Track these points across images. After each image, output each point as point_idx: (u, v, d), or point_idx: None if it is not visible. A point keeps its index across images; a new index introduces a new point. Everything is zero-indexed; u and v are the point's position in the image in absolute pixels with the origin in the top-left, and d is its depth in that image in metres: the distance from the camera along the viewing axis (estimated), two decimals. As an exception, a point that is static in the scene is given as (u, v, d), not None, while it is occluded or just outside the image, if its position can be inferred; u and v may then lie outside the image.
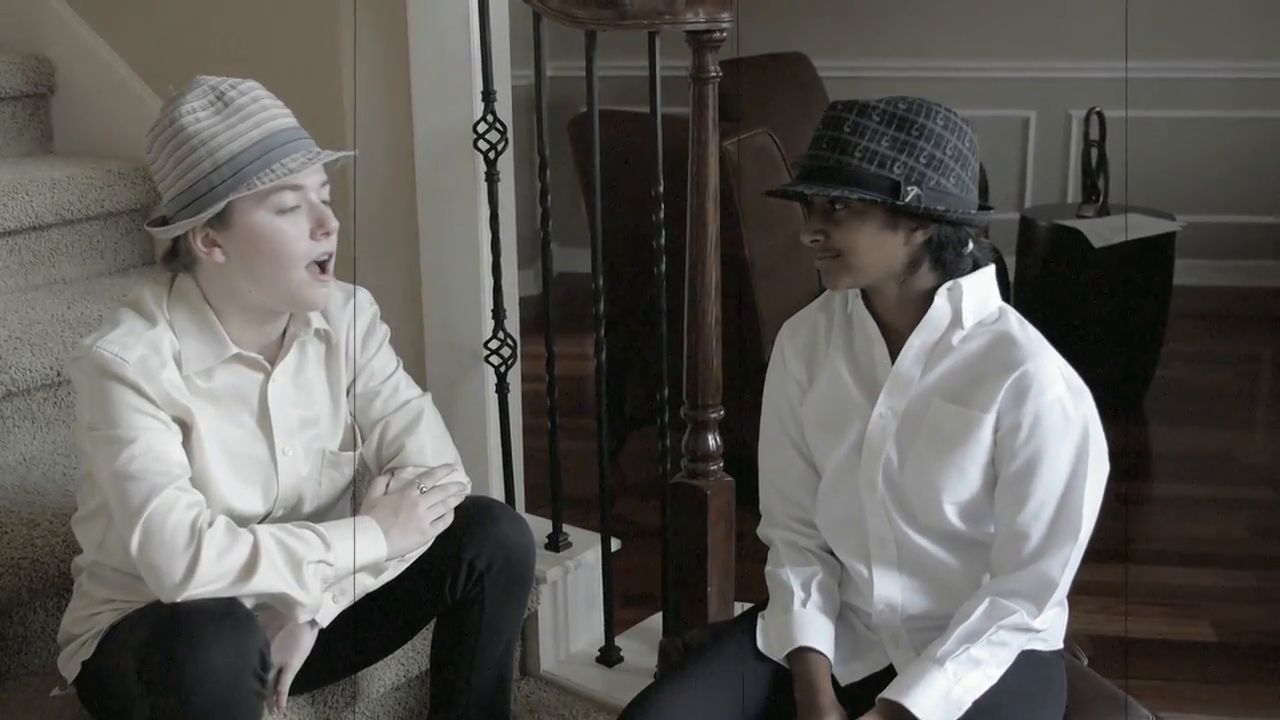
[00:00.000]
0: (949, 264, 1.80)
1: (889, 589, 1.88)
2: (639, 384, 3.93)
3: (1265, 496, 3.89)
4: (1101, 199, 4.65)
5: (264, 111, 1.86)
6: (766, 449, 2.03)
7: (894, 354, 1.85)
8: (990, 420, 1.78)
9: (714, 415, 2.39)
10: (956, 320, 1.81)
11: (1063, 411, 1.76)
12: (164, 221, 1.91)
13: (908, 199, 1.72)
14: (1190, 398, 4.70)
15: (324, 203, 1.93)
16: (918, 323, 1.82)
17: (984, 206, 1.82)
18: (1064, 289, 4.58)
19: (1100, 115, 4.61)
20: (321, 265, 1.93)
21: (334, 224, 1.91)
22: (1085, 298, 4.52)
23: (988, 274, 1.83)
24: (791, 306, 3.67)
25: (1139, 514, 3.85)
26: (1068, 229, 4.52)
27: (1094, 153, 4.64)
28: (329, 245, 1.92)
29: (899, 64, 5.92)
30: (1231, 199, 5.90)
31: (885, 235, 1.77)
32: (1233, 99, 5.81)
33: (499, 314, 2.59)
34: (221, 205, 1.83)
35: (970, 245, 1.80)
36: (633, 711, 1.81)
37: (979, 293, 1.81)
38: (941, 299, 1.80)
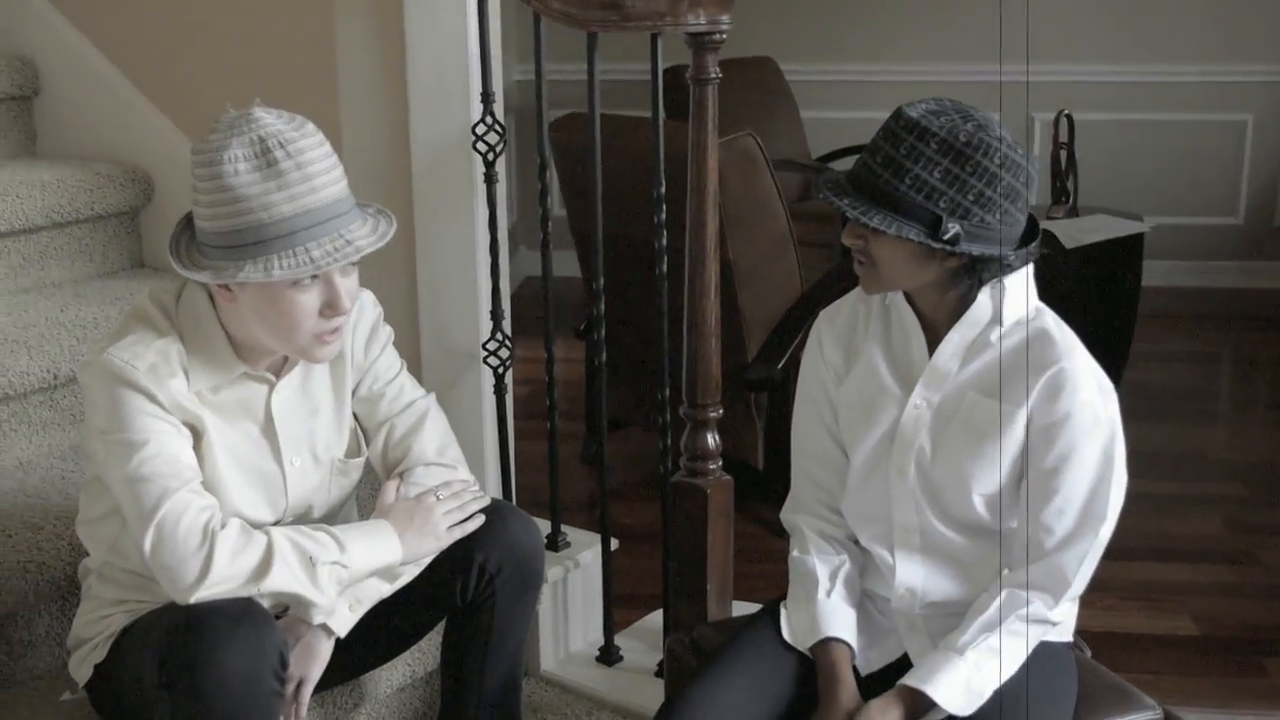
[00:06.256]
0: (989, 278, 1.81)
1: (911, 575, 1.91)
2: (618, 386, 3.94)
3: (1237, 492, 3.95)
4: (1071, 200, 4.71)
5: (304, 183, 1.77)
6: (800, 435, 2.05)
7: (931, 346, 1.88)
8: (1023, 415, 1.81)
9: (713, 414, 2.40)
10: (996, 318, 1.83)
11: (1094, 412, 1.79)
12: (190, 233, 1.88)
13: (946, 237, 1.73)
14: (1160, 397, 4.75)
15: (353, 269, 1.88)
16: (957, 318, 1.85)
17: (1033, 232, 1.83)
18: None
19: (1069, 118, 4.67)
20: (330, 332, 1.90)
21: (345, 307, 1.86)
22: (1055, 298, 4.53)
23: (1026, 273, 1.85)
24: (774, 308, 3.72)
25: (1115, 511, 3.88)
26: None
27: (1063, 154, 4.69)
28: (337, 322, 1.88)
29: (865, 68, 5.96)
30: (1195, 201, 5.98)
31: (918, 260, 1.79)
32: (1197, 102, 5.89)
33: (497, 315, 2.60)
34: (233, 270, 1.79)
35: (1009, 259, 1.81)
36: (676, 706, 1.83)
37: (1019, 291, 1.84)
38: (985, 296, 1.83)
